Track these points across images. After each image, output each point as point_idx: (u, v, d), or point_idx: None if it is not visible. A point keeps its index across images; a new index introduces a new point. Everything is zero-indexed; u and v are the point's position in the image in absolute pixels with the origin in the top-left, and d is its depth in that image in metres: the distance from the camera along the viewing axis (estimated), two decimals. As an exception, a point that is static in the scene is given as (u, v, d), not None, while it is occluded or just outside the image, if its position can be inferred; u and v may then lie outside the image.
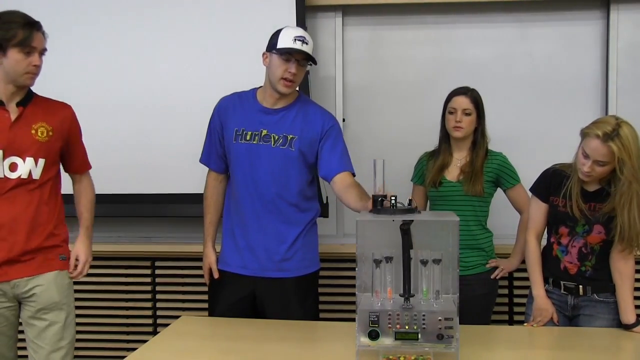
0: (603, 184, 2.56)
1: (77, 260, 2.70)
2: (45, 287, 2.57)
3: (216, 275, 2.87)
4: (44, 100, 2.64)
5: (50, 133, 2.58)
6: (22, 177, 2.52)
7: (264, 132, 2.75)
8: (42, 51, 2.51)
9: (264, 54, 2.75)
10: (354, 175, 2.77)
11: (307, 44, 2.69)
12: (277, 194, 2.75)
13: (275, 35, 2.72)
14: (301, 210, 2.80)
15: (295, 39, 2.67)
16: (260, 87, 2.84)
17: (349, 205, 2.65)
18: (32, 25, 2.46)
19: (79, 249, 2.72)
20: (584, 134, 2.49)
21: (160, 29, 3.62)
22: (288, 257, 2.78)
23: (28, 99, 2.58)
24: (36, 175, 2.55)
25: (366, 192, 2.57)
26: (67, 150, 2.69)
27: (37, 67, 2.50)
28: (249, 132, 2.77)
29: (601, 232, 2.56)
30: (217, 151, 2.88)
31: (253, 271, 2.79)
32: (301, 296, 2.80)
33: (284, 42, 2.67)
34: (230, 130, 2.80)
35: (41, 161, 2.56)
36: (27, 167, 2.53)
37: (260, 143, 2.75)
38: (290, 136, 2.75)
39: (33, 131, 2.54)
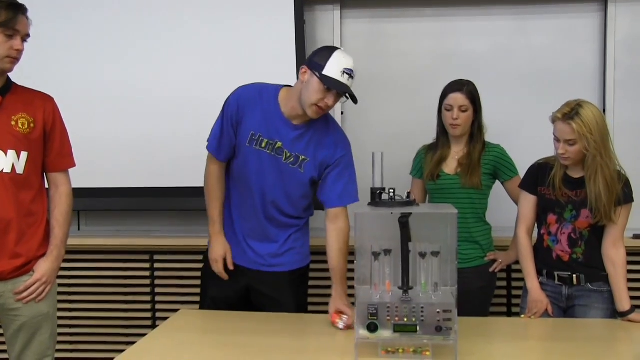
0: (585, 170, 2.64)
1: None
2: None
3: (231, 267, 2.76)
4: (24, 90, 2.48)
5: (32, 125, 2.43)
6: (4, 171, 2.38)
7: (279, 144, 2.66)
8: (25, 37, 2.36)
9: (303, 67, 2.58)
10: (352, 202, 2.72)
11: (352, 78, 2.55)
12: (279, 205, 2.72)
13: (324, 56, 2.54)
14: (299, 214, 2.81)
15: (344, 72, 2.51)
16: (285, 86, 2.72)
17: (327, 245, 2.70)
18: (17, 8, 2.31)
19: (40, 266, 2.47)
20: (552, 119, 2.62)
21: (157, 23, 3.63)
22: (283, 253, 2.77)
23: (7, 88, 2.42)
24: (19, 169, 2.41)
25: (342, 256, 2.66)
26: (46, 143, 2.51)
27: (19, 52, 2.34)
28: (265, 140, 2.66)
29: (588, 217, 2.63)
30: (229, 141, 2.71)
31: (251, 264, 2.79)
32: (294, 288, 2.82)
33: (332, 71, 2.50)
34: (246, 130, 2.67)
35: (24, 154, 2.41)
36: (9, 160, 2.38)
37: (272, 154, 2.66)
38: (302, 157, 2.67)
39: (13, 122, 2.39)
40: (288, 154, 2.67)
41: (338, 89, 2.53)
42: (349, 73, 2.53)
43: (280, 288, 2.79)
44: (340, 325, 2.48)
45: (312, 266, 2.94)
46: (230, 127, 2.70)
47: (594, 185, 2.58)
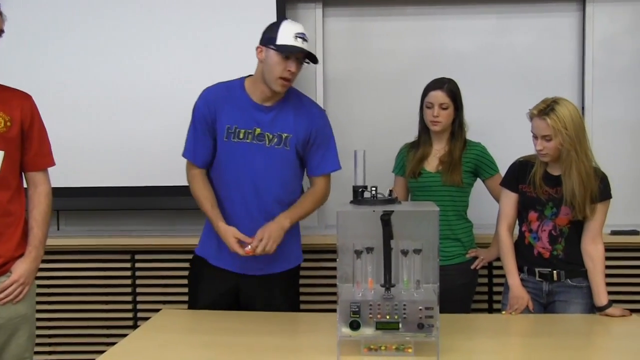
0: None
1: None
2: None
3: (248, 240, 2.62)
4: (0, 88, 2.43)
5: (8, 123, 2.37)
6: None
7: (258, 130, 2.67)
8: (0, 33, 2.31)
9: (258, 47, 2.64)
10: (332, 171, 2.80)
11: (307, 41, 2.61)
12: (271, 194, 2.70)
13: (273, 29, 2.61)
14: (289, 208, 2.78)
15: (296, 36, 2.57)
16: (248, 76, 2.75)
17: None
18: None
19: (17, 267, 2.42)
20: (529, 116, 2.66)
21: (138, 22, 3.60)
22: (273, 254, 2.71)
23: None
24: None
25: (302, 202, 2.75)
26: (24, 142, 2.45)
27: None
28: (242, 130, 2.67)
29: (568, 214, 2.66)
30: (205, 145, 2.72)
31: (238, 268, 2.75)
32: (285, 289, 2.82)
33: (284, 38, 2.57)
34: (222, 126, 2.68)
35: (0, 153, 2.34)
36: None
37: (253, 142, 2.67)
38: (285, 135, 2.69)
39: None
40: (270, 136, 2.68)
41: (295, 52, 2.58)
42: (302, 37, 2.59)
43: (271, 290, 2.78)
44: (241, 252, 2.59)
45: (303, 265, 2.94)
46: (205, 130, 2.72)
47: (568, 180, 2.62)
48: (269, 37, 2.61)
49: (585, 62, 3.66)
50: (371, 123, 3.76)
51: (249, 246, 2.61)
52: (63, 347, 3.75)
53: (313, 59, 2.66)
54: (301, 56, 2.62)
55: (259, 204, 2.70)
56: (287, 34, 2.58)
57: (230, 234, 2.64)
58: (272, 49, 2.59)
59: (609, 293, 2.67)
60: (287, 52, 2.57)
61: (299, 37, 2.59)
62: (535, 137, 2.65)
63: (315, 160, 2.78)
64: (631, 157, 3.69)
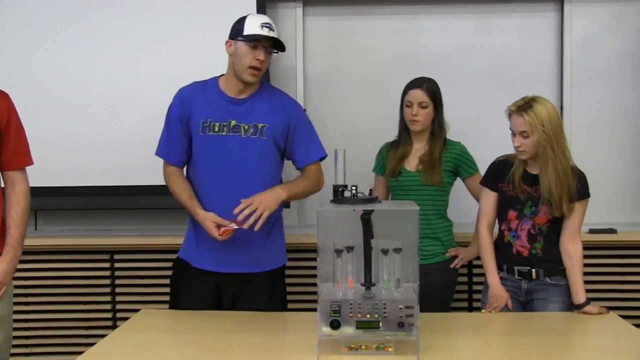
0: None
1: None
2: None
3: (226, 222, 2.62)
4: None
5: None
6: None
7: (233, 122, 2.71)
8: None
9: (227, 42, 2.70)
10: (322, 158, 2.82)
11: (273, 30, 2.67)
12: (249, 187, 2.68)
13: (240, 22, 2.68)
14: None
15: (262, 26, 2.64)
16: (221, 75, 2.79)
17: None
18: None
19: None
20: (507, 113, 2.69)
21: (116, 23, 3.59)
22: (257, 253, 2.75)
23: None
24: None
25: (298, 181, 2.80)
26: (1, 141, 2.43)
27: None
28: (217, 124, 2.71)
29: (547, 213, 2.68)
30: (179, 143, 2.77)
31: (220, 267, 2.75)
32: (268, 291, 2.80)
33: (250, 28, 2.64)
34: (197, 121, 2.72)
35: None
36: None
37: (229, 134, 2.70)
38: (261, 125, 2.71)
39: None
40: (246, 127, 2.71)
41: (262, 39, 2.64)
42: (268, 26, 2.66)
43: (254, 291, 2.77)
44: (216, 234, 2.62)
45: (288, 264, 2.93)
46: (178, 129, 2.76)
47: (545, 177, 2.64)
48: (236, 30, 2.68)
49: (564, 62, 3.69)
50: (351, 122, 3.77)
51: (233, 224, 2.61)
52: (40, 349, 3.72)
53: (280, 47, 2.71)
54: (268, 45, 2.67)
55: (238, 197, 2.67)
56: (253, 25, 2.65)
57: (208, 217, 2.66)
58: (240, 40, 2.65)
59: (587, 291, 2.69)
60: (253, 40, 2.63)
61: (265, 27, 2.65)
62: (513, 134, 2.68)
63: (301, 150, 2.80)
64: (609, 156, 3.74)
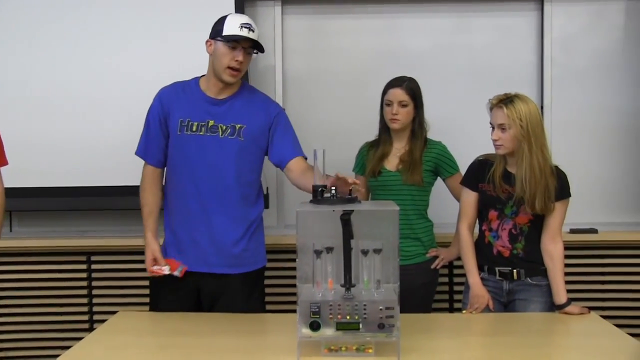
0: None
1: None
2: None
3: (162, 262, 2.73)
4: None
5: None
6: None
7: (211, 122, 2.71)
8: None
9: (207, 41, 2.71)
10: (306, 159, 2.79)
11: (253, 31, 2.67)
12: (226, 187, 2.70)
13: (220, 22, 2.69)
14: (249, 204, 2.78)
15: (242, 26, 2.64)
16: (202, 76, 2.80)
17: (309, 189, 2.66)
18: None
19: None
20: (489, 107, 2.71)
21: (88, 21, 3.57)
22: (236, 254, 2.74)
23: None
24: None
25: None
26: None
27: None
28: (195, 123, 2.72)
29: (528, 213, 2.68)
30: (157, 143, 2.79)
31: (198, 267, 2.74)
32: (247, 292, 2.79)
33: (230, 29, 2.65)
34: (175, 121, 2.73)
35: None
36: None
37: (207, 134, 2.71)
38: (239, 125, 2.72)
39: None
40: (224, 127, 2.72)
41: (240, 39, 2.64)
42: (248, 27, 2.66)
43: (233, 293, 2.75)
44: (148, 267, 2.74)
45: (267, 265, 2.92)
46: (157, 127, 2.77)
47: (519, 172, 2.65)
48: (216, 30, 2.69)
49: (544, 61, 3.71)
50: (331, 121, 3.76)
51: (167, 267, 2.70)
52: (15, 352, 3.67)
53: (260, 48, 2.71)
54: (248, 46, 2.68)
55: (214, 197, 2.70)
56: (233, 25, 2.65)
57: (151, 248, 2.76)
58: (220, 40, 2.66)
59: (568, 291, 2.70)
60: (232, 41, 2.64)
61: (245, 27, 2.65)
62: (492, 127, 2.69)
63: (287, 143, 2.79)
64: (590, 156, 3.76)
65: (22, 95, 3.55)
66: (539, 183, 2.63)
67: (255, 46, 2.70)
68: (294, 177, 2.76)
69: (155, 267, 2.72)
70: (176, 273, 2.70)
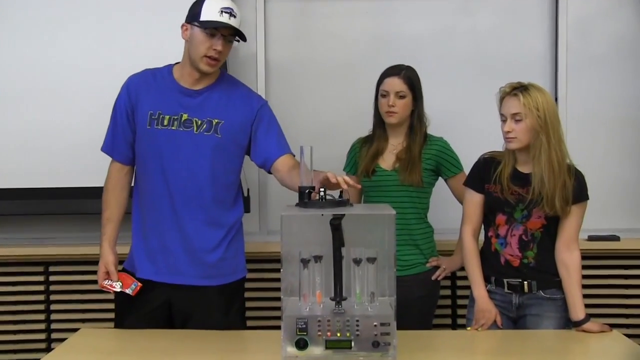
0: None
1: None
2: None
3: (114, 277, 2.74)
4: None
5: None
6: None
7: (184, 116, 2.70)
8: None
9: (183, 25, 2.69)
10: (294, 156, 2.77)
11: (234, 17, 2.65)
12: (200, 188, 2.69)
13: (198, 4, 2.66)
14: (227, 208, 2.78)
15: (222, 11, 2.62)
16: (177, 63, 2.79)
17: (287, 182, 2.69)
18: None
19: None
20: (500, 96, 2.70)
21: (64, 13, 3.57)
22: (212, 263, 2.73)
23: None
24: None
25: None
26: None
27: None
28: (167, 117, 2.70)
29: (541, 217, 2.68)
30: (124, 138, 2.78)
31: (169, 277, 2.73)
32: (225, 306, 2.78)
33: (208, 14, 2.62)
34: (144, 113, 2.72)
35: None
36: None
37: (180, 129, 2.69)
38: (216, 121, 2.71)
39: None
40: (199, 122, 2.71)
41: (219, 26, 2.62)
42: (229, 12, 2.64)
43: (209, 307, 2.74)
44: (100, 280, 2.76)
45: (248, 276, 2.91)
46: (124, 120, 2.77)
47: (537, 168, 2.64)
48: (193, 14, 2.67)
49: (559, 48, 3.72)
50: (319, 115, 3.77)
51: (119, 284, 2.73)
52: (-36, 375, 3.66)
53: (242, 36, 2.70)
54: (228, 33, 2.66)
55: (187, 199, 2.69)
56: (211, 9, 2.63)
57: (105, 260, 2.78)
58: (196, 25, 2.64)
59: (587, 306, 2.70)
60: (211, 27, 2.61)
61: (225, 12, 2.63)
62: (503, 120, 2.68)
63: (271, 141, 2.78)
64: (609, 154, 3.77)
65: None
66: (558, 180, 2.63)
67: (236, 33, 2.69)
68: (281, 177, 2.75)
69: (106, 282, 2.74)
70: (128, 291, 2.70)
